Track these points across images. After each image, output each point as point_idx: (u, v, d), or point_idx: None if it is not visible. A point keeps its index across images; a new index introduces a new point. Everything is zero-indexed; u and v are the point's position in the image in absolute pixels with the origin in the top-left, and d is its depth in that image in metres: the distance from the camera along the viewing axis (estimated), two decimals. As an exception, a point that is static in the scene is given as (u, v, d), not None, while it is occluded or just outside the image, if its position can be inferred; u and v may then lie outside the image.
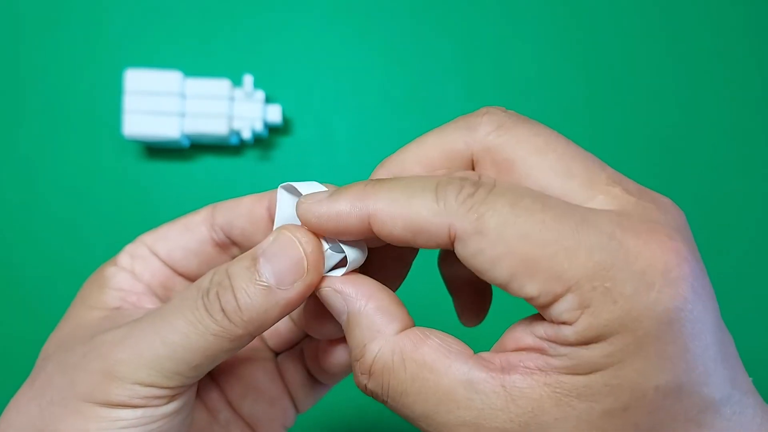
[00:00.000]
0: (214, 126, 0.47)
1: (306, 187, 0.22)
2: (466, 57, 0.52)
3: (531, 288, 0.18)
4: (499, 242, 0.18)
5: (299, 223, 0.21)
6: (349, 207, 0.20)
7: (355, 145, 0.51)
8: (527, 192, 0.19)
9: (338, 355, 0.26)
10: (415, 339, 0.20)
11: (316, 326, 0.24)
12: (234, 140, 0.49)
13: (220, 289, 0.21)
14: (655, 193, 0.20)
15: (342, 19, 0.52)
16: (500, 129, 0.21)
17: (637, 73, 0.53)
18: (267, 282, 0.20)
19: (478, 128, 0.21)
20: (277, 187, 0.23)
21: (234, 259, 0.22)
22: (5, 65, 0.51)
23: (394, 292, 0.22)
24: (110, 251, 0.50)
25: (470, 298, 0.26)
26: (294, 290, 0.21)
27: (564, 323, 0.18)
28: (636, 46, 0.53)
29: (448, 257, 0.26)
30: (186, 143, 0.49)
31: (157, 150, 0.51)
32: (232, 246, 0.26)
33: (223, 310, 0.20)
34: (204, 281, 0.21)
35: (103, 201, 0.50)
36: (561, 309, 0.18)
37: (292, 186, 0.22)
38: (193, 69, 0.50)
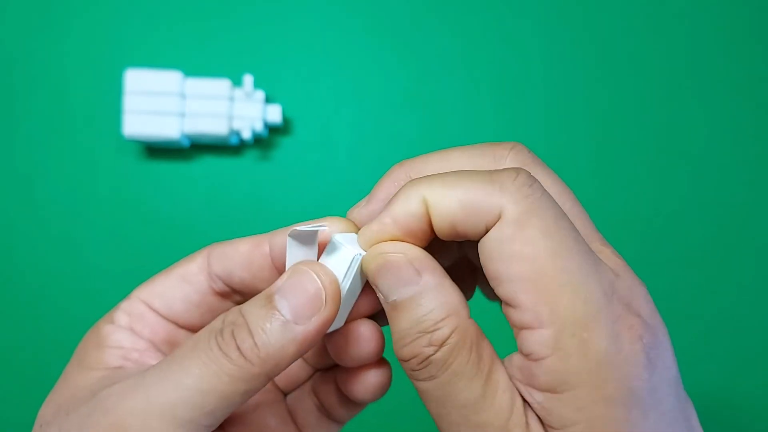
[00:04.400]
0: (214, 126, 0.47)
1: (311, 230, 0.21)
2: (466, 57, 0.52)
3: (525, 299, 0.18)
4: (530, 245, 0.18)
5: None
6: (406, 199, 0.20)
7: (355, 145, 0.51)
8: (565, 215, 0.20)
9: (369, 380, 0.24)
10: (480, 331, 0.20)
11: (353, 349, 0.23)
12: (234, 140, 0.49)
13: (235, 328, 0.20)
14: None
15: (342, 19, 0.52)
16: (526, 158, 0.22)
17: (637, 73, 0.53)
18: (284, 317, 0.20)
19: (504, 161, 0.22)
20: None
21: (247, 301, 0.21)
22: (5, 65, 0.51)
23: None
24: (110, 251, 0.50)
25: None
26: (312, 324, 0.20)
27: (530, 356, 0.18)
28: (636, 46, 0.53)
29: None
30: (186, 143, 0.49)
31: (157, 150, 0.51)
32: (234, 294, 0.25)
33: (238, 349, 0.20)
34: (216, 323, 0.21)
35: (103, 201, 0.50)
36: (534, 340, 0.18)
37: (298, 231, 0.21)
38: (193, 69, 0.50)
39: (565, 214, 0.20)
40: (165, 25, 0.51)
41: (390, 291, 0.21)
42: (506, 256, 0.19)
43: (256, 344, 0.20)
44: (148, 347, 0.24)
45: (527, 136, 0.52)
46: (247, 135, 0.48)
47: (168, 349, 0.25)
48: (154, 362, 0.23)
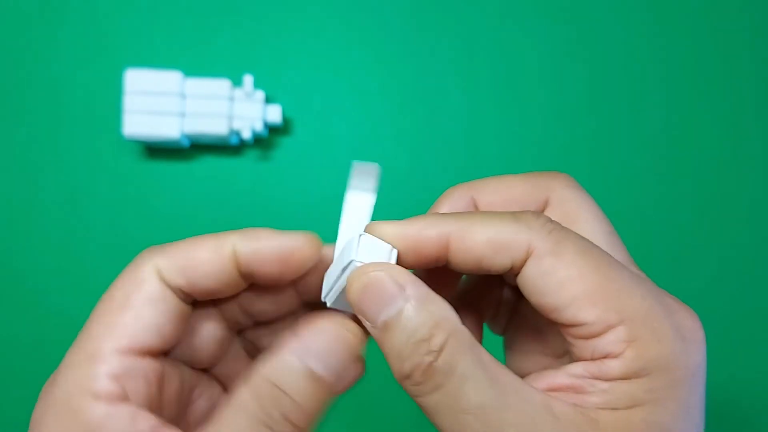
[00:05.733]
0: (214, 126, 0.47)
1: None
2: (466, 57, 0.52)
3: (588, 314, 0.19)
4: (573, 267, 0.20)
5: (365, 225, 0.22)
6: (428, 226, 0.21)
7: (355, 145, 0.51)
8: (591, 242, 0.21)
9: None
10: (471, 336, 0.20)
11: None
12: (234, 140, 0.49)
13: (280, 406, 0.20)
14: None
15: (342, 19, 0.52)
16: (574, 187, 0.24)
17: (637, 73, 0.53)
18: (329, 382, 0.20)
19: (558, 180, 0.24)
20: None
21: (267, 366, 0.20)
22: (5, 65, 0.51)
23: None
24: (110, 251, 0.50)
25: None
26: (351, 376, 0.21)
27: (607, 357, 0.19)
28: (637, 46, 0.53)
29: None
30: (186, 143, 0.49)
31: (157, 150, 0.51)
32: (195, 296, 0.23)
33: (293, 424, 0.20)
34: (249, 404, 0.20)
35: (103, 201, 0.50)
36: (609, 339, 0.19)
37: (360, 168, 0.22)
38: (193, 69, 0.50)
39: (591, 242, 0.21)
40: (165, 25, 0.51)
41: (378, 312, 0.20)
42: (554, 286, 0.20)
43: (306, 412, 0.20)
44: (152, 428, 0.20)
45: (528, 135, 0.52)
46: (247, 135, 0.48)
47: (160, 400, 0.21)
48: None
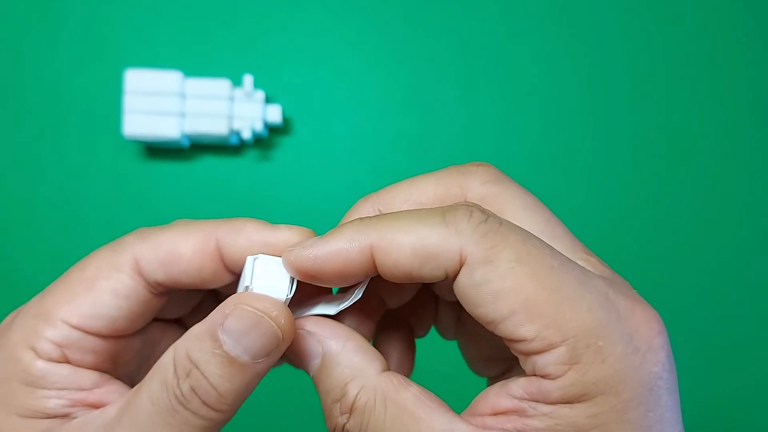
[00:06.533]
0: (214, 126, 0.47)
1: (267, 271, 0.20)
2: (466, 57, 0.52)
3: (527, 331, 0.17)
4: (509, 277, 0.18)
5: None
6: (348, 242, 0.19)
7: (355, 145, 0.51)
8: (533, 235, 0.19)
9: None
10: (397, 382, 0.19)
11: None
12: (234, 140, 0.49)
13: (193, 382, 0.19)
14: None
15: (342, 19, 0.52)
16: (495, 181, 0.21)
17: (637, 74, 0.53)
18: (243, 360, 0.19)
19: (474, 176, 0.22)
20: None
21: (189, 338, 0.19)
22: (5, 65, 0.51)
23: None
24: (110, 251, 0.50)
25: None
26: (272, 359, 0.19)
27: (546, 377, 0.18)
28: (637, 46, 0.53)
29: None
30: (186, 143, 0.49)
31: (157, 150, 0.51)
32: (175, 289, 0.22)
33: (205, 404, 0.19)
34: (167, 373, 0.19)
35: (103, 201, 0.50)
36: (549, 360, 0.17)
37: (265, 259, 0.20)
38: (193, 69, 0.50)
39: (533, 235, 0.19)
40: (165, 25, 0.51)
41: (305, 369, 0.20)
42: (489, 298, 0.18)
43: (221, 394, 0.19)
44: (95, 382, 0.21)
45: (526, 134, 0.52)
46: (247, 135, 0.48)
47: (111, 366, 0.22)
48: (107, 399, 0.20)
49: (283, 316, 0.19)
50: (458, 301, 0.19)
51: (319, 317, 0.21)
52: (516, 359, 0.22)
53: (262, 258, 0.20)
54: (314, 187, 0.51)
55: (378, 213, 0.21)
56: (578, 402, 0.17)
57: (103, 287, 0.21)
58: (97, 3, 0.51)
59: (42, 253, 0.50)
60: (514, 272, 0.18)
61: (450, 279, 0.19)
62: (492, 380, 0.24)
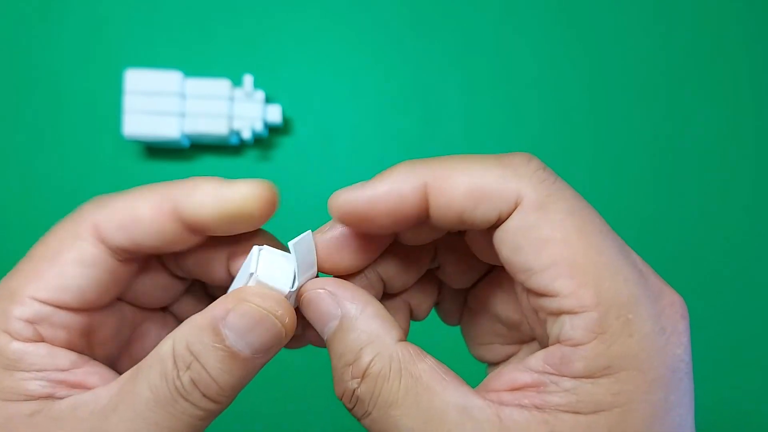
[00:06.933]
0: (214, 126, 0.47)
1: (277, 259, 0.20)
2: (466, 57, 0.52)
3: (564, 285, 0.17)
4: (561, 228, 0.17)
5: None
6: (401, 181, 0.18)
7: (355, 145, 0.51)
8: (584, 200, 0.19)
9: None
10: (413, 353, 0.19)
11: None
12: (234, 140, 0.49)
13: (194, 375, 0.18)
14: None
15: (342, 19, 0.52)
16: (546, 170, 0.20)
17: (637, 73, 0.53)
18: (245, 355, 0.19)
19: (520, 170, 0.20)
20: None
21: (189, 329, 0.19)
22: (5, 65, 0.51)
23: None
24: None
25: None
26: (272, 353, 0.19)
27: (571, 342, 0.17)
28: (636, 46, 0.53)
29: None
30: (186, 143, 0.49)
31: (157, 150, 0.51)
32: (140, 254, 0.21)
33: (205, 396, 0.19)
34: (166, 363, 0.19)
35: (103, 201, 0.50)
36: (577, 323, 0.17)
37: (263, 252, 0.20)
38: (193, 69, 0.50)
39: (584, 201, 0.18)
40: (165, 25, 0.51)
41: (321, 331, 0.20)
42: (535, 244, 0.17)
43: (221, 387, 0.19)
44: (72, 363, 0.20)
45: (526, 134, 0.52)
46: (247, 135, 0.48)
47: (86, 345, 0.21)
48: (93, 380, 0.20)
49: (287, 314, 0.19)
50: (466, 282, 0.19)
51: (342, 281, 0.20)
52: (522, 343, 0.22)
53: (267, 249, 0.20)
54: (314, 187, 0.51)
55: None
56: (601, 377, 0.17)
57: (66, 258, 0.20)
58: (97, 3, 0.51)
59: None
60: (566, 224, 0.17)
61: (500, 222, 0.18)
62: (492, 368, 0.24)
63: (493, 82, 0.52)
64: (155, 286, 0.23)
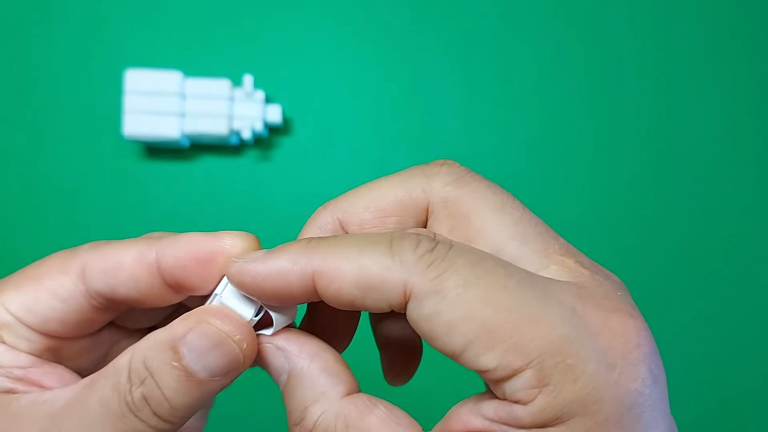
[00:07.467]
0: (214, 126, 0.47)
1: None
2: (466, 57, 0.52)
3: (488, 360, 0.16)
4: (459, 305, 0.16)
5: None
6: (290, 264, 0.18)
7: (355, 145, 0.51)
8: (487, 255, 0.18)
9: None
10: (361, 406, 0.18)
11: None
12: (234, 140, 0.49)
13: (146, 391, 0.18)
14: (605, 269, 0.19)
15: (342, 19, 0.52)
16: (459, 181, 0.20)
17: (637, 74, 0.53)
18: (201, 377, 0.18)
19: (437, 178, 0.21)
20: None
21: (148, 345, 0.19)
22: (5, 65, 0.51)
23: (340, 352, 0.21)
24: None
25: (399, 357, 0.24)
26: (230, 378, 0.19)
27: (518, 402, 0.16)
28: (636, 46, 0.53)
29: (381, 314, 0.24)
30: (186, 143, 0.49)
31: (157, 150, 0.51)
32: (118, 304, 0.21)
33: (155, 415, 0.18)
34: (120, 376, 0.18)
35: (103, 201, 0.50)
36: (517, 386, 0.16)
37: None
38: (193, 69, 0.50)
39: (486, 254, 0.18)
40: (165, 25, 0.51)
41: (276, 382, 0.20)
42: (443, 331, 0.17)
43: (173, 407, 0.18)
44: (31, 362, 0.20)
45: (527, 134, 0.52)
46: (247, 135, 0.48)
47: (51, 356, 0.21)
48: (48, 382, 0.20)
49: (246, 339, 0.19)
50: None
51: (294, 331, 0.20)
52: None
53: None
54: (314, 187, 0.51)
55: (336, 221, 0.21)
56: (552, 426, 0.16)
57: (44, 286, 0.21)
58: (97, 3, 0.51)
59: (42, 253, 0.49)
60: (463, 298, 0.16)
61: (398, 310, 0.18)
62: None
63: (493, 82, 0.52)
64: (141, 312, 0.23)
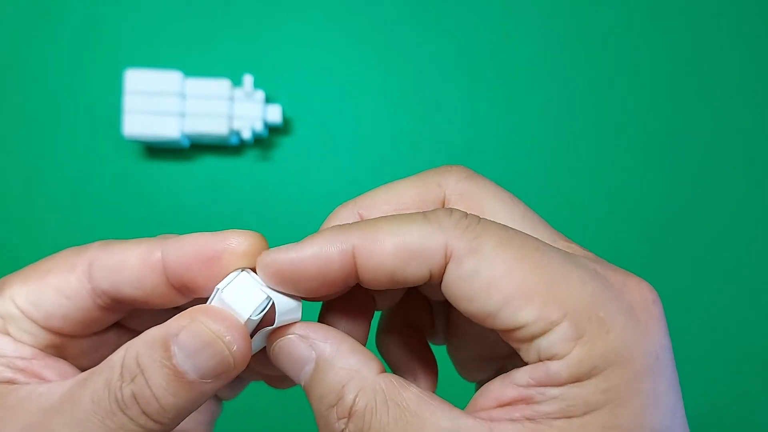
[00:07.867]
0: (214, 126, 0.47)
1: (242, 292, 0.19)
2: (466, 57, 0.52)
3: (526, 314, 0.17)
4: (498, 262, 0.17)
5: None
6: (328, 245, 0.18)
7: (355, 145, 0.51)
8: (510, 227, 0.19)
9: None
10: (396, 382, 0.18)
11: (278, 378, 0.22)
12: (234, 140, 0.49)
13: (136, 390, 0.18)
14: None
15: (342, 19, 0.52)
16: (471, 178, 0.21)
17: (637, 73, 0.53)
18: (190, 377, 0.18)
19: (450, 175, 0.21)
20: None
21: (142, 342, 0.18)
22: (6, 65, 0.51)
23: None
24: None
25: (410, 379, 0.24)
26: (220, 381, 0.19)
27: (553, 358, 0.17)
28: (636, 46, 0.53)
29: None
30: (186, 143, 0.49)
31: (157, 150, 0.51)
32: (123, 304, 0.22)
33: (144, 414, 0.18)
34: (112, 373, 0.18)
35: (103, 201, 0.50)
36: (553, 339, 0.17)
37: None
38: (193, 69, 0.50)
39: (512, 228, 0.19)
40: (165, 25, 0.51)
41: (297, 378, 0.20)
42: (482, 289, 0.17)
43: (162, 407, 0.18)
44: (34, 354, 0.21)
45: (527, 134, 0.52)
46: (247, 135, 0.48)
47: (54, 352, 0.21)
48: (48, 374, 0.20)
49: (236, 342, 0.18)
50: (446, 300, 0.19)
51: (312, 322, 0.20)
52: (509, 358, 0.22)
53: (247, 272, 0.19)
54: (314, 187, 0.51)
55: (357, 216, 0.21)
56: (588, 378, 0.17)
57: (50, 282, 0.21)
58: (97, 3, 0.51)
59: (42, 253, 0.49)
60: (502, 257, 0.17)
61: (435, 278, 0.18)
62: (481, 384, 0.24)
63: (492, 82, 0.52)
64: (148, 314, 0.23)
